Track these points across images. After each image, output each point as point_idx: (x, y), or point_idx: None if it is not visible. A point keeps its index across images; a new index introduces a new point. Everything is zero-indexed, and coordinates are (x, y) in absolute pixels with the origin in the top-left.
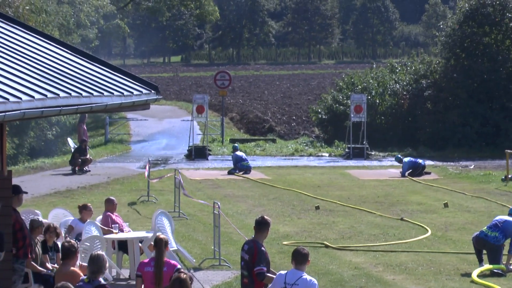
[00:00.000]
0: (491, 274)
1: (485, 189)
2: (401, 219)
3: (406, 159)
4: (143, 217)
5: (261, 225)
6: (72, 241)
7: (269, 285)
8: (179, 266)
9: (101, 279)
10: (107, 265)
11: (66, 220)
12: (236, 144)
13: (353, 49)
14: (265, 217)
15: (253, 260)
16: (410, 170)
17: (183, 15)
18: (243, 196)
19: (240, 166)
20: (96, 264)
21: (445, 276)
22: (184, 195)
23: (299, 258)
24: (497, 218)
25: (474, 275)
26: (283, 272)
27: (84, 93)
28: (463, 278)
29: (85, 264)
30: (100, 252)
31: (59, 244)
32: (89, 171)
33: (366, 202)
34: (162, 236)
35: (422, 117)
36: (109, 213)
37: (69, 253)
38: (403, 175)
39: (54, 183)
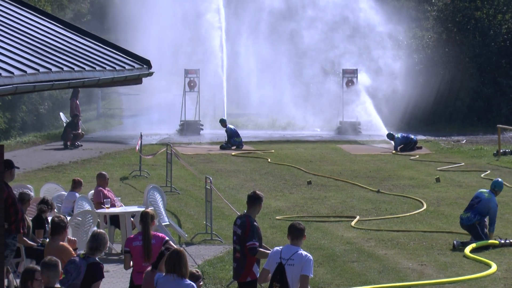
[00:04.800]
0: (485, 247)
1: (477, 164)
2: (378, 191)
3: (398, 135)
4: (135, 191)
5: (254, 200)
6: (61, 216)
7: (266, 260)
8: (167, 238)
9: (97, 258)
10: (108, 245)
11: (59, 194)
12: (224, 118)
13: None
14: (258, 192)
15: (246, 234)
16: (402, 145)
17: None
18: (235, 171)
19: (233, 142)
20: (95, 241)
21: (437, 251)
22: (177, 167)
23: (295, 233)
24: (475, 194)
25: (467, 250)
26: (279, 248)
27: (76, 68)
28: (455, 253)
29: (74, 238)
30: (102, 230)
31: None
32: (81, 145)
33: (358, 177)
34: (148, 210)
35: (414, 91)
36: (101, 188)
37: (58, 228)
38: (395, 149)
39: (46, 158)
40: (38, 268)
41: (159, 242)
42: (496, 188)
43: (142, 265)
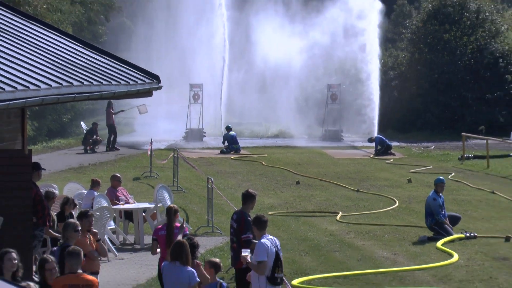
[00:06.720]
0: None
1: (444, 167)
2: (357, 190)
3: (376, 136)
4: (146, 190)
5: (247, 198)
6: (89, 211)
7: (260, 251)
8: (187, 232)
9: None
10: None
11: (79, 192)
12: (229, 125)
13: None
14: (250, 190)
15: (241, 228)
16: (380, 147)
17: None
18: (233, 172)
19: (232, 148)
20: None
21: (408, 242)
22: (183, 169)
23: (265, 224)
24: None
25: (439, 243)
26: (265, 239)
27: (94, 82)
28: (424, 244)
29: (96, 230)
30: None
31: (74, 214)
32: (98, 149)
33: (340, 178)
34: (172, 205)
35: (389, 105)
36: (114, 187)
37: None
38: (375, 149)
39: (69, 161)
40: (50, 258)
41: (178, 234)
42: (435, 183)
43: (166, 252)
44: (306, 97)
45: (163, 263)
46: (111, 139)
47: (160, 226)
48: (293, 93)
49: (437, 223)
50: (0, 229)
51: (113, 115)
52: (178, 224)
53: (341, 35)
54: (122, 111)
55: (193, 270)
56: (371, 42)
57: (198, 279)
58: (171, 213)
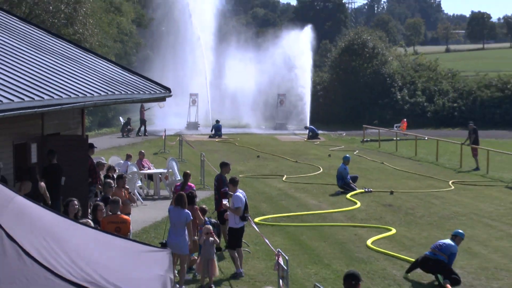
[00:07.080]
0: (356, 194)
1: (351, 147)
2: (296, 161)
3: (309, 126)
4: (162, 161)
5: (223, 165)
6: (124, 174)
7: (237, 201)
8: (194, 188)
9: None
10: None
11: (118, 162)
12: (218, 119)
13: None
14: (225, 161)
15: (220, 185)
16: (311, 134)
17: None
18: (217, 150)
19: (216, 134)
20: (103, 188)
21: (328, 194)
22: (185, 148)
23: (237, 183)
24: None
25: (349, 195)
26: (239, 193)
27: (128, 92)
28: (338, 196)
29: (128, 187)
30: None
31: (115, 176)
32: (131, 134)
33: (285, 153)
34: (188, 171)
35: (317, 107)
36: (140, 159)
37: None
38: (308, 135)
39: (112, 142)
40: (100, 203)
41: (188, 189)
42: (343, 159)
43: None
44: (263, 102)
45: (169, 207)
46: (142, 129)
47: (178, 184)
48: (254, 99)
49: (345, 183)
50: (66, 185)
51: (144, 112)
52: (190, 184)
53: (283, 59)
54: (149, 108)
55: (188, 212)
56: (304, 65)
57: (191, 218)
58: (186, 176)
